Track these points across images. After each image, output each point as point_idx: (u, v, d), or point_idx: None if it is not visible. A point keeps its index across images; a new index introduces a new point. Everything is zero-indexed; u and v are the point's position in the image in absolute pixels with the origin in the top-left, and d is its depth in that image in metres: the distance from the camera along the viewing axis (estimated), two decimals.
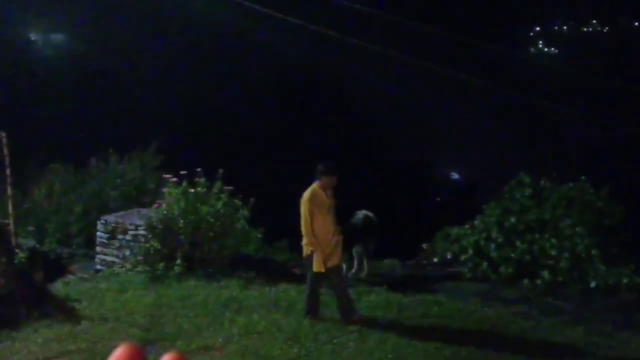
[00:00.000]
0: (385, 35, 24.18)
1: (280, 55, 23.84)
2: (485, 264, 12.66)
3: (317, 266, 9.82)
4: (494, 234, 12.68)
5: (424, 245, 14.73)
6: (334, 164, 10.08)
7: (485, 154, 24.16)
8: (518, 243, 12.37)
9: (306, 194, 9.99)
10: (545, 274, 12.01)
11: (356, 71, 24.23)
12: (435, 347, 8.81)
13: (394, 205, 20.86)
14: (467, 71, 24.82)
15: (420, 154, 23.64)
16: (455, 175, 28.36)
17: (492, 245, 12.70)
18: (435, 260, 13.71)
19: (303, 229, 9.97)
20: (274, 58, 23.78)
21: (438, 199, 23.43)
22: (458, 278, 12.53)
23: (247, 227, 13.46)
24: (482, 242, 12.84)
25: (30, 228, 15.18)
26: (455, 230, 13.42)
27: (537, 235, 12.33)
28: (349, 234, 12.57)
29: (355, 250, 12.91)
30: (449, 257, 13.17)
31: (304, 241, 10.05)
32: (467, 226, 13.26)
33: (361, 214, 13.17)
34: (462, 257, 12.90)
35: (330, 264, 9.83)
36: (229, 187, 13.03)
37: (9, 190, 11.30)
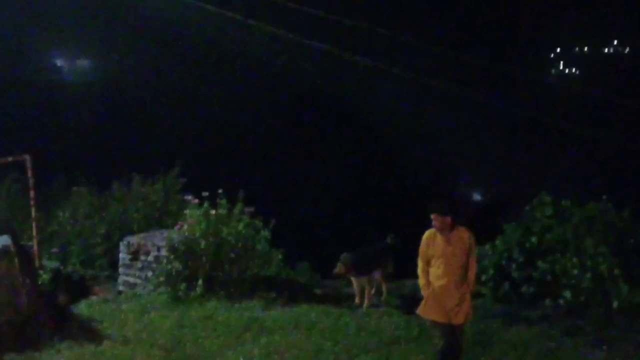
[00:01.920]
0: (407, 57, 24.28)
1: (300, 77, 23.98)
2: (506, 284, 12.59)
3: (420, 309, 8.73)
4: (515, 254, 12.61)
5: None
6: (443, 202, 8.53)
7: (506, 175, 24.09)
8: (539, 263, 12.29)
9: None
10: (568, 294, 11.91)
11: (377, 93, 24.31)
12: None
13: (415, 225, 20.82)
14: (488, 92, 24.84)
15: (441, 175, 23.62)
16: (476, 196, 28.28)
17: (514, 266, 12.63)
18: None
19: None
20: (294, 81, 23.93)
21: (460, 220, 23.38)
22: (479, 298, 12.46)
23: (269, 248, 13.49)
24: (503, 262, 12.78)
25: (54, 250, 15.35)
26: (476, 251, 13.36)
27: (558, 255, 12.26)
28: (371, 258, 12.73)
29: (376, 275, 12.85)
30: None
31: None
32: (487, 246, 13.21)
33: (391, 237, 13.22)
34: (483, 278, 12.83)
35: (454, 320, 8.41)
36: (250, 209, 13.10)
37: (33, 213, 11.43)
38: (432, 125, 25.03)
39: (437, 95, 25.02)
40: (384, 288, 12.94)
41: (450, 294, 8.39)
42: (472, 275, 8.56)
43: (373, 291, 12.69)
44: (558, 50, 49.93)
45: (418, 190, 23.36)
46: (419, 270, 8.64)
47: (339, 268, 12.26)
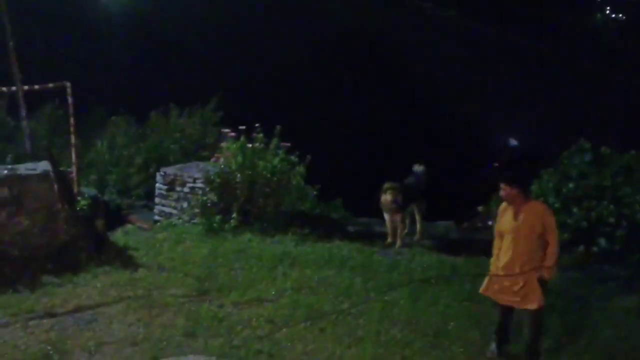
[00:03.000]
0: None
1: (340, 15, 23.67)
2: None
3: (483, 286, 7.91)
4: (550, 200, 12.50)
5: (479, 208, 14.63)
6: (511, 171, 7.72)
7: (545, 121, 23.75)
8: (575, 209, 12.19)
9: None
10: (602, 241, 11.84)
11: (413, 34, 23.93)
12: (487, 310, 8.80)
13: (450, 168, 20.70)
14: (529, 36, 24.33)
15: (478, 119, 23.35)
16: (513, 142, 27.98)
17: None
18: (490, 223, 13.60)
19: None
20: (335, 16, 23.63)
21: (496, 164, 23.16)
22: None
23: (303, 184, 13.55)
24: None
25: (93, 177, 15.56)
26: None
27: (595, 202, 12.14)
28: (408, 192, 12.48)
29: (411, 209, 12.77)
30: None
31: None
32: None
33: (420, 168, 12.96)
34: None
35: (517, 304, 7.63)
36: (286, 144, 13.13)
37: (73, 139, 11.56)
38: (469, 70, 24.63)
39: (472, 37, 24.57)
40: (419, 226, 12.85)
41: (513, 274, 7.48)
42: (550, 258, 7.39)
43: (406, 230, 12.68)
44: None
45: (455, 134, 23.15)
46: (494, 245, 7.82)
47: (392, 195, 12.06)
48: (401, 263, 11.09)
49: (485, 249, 11.89)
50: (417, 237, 12.79)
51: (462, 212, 15.30)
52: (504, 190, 7.44)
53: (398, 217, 12.27)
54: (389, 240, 12.42)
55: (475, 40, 24.37)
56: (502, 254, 7.60)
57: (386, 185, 12.17)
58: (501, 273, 7.58)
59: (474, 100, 23.34)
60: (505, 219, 7.58)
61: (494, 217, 13.59)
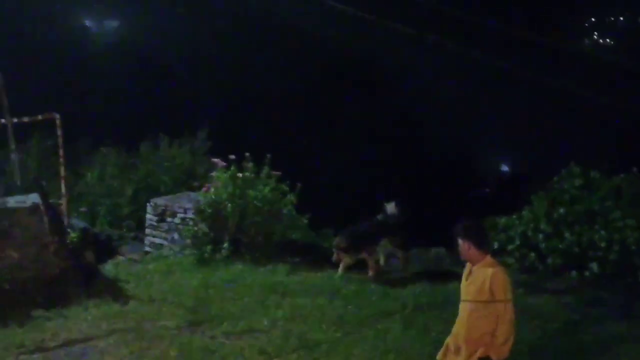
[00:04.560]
0: (431, 23, 24.02)
1: (330, 43, 23.84)
2: (532, 254, 12.53)
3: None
4: (542, 225, 12.54)
5: None
6: (464, 223, 6.48)
7: (534, 146, 23.90)
8: (567, 234, 12.23)
9: None
10: (594, 266, 11.87)
11: (402, 58, 24.09)
12: None
13: (442, 195, 20.76)
14: (516, 61, 24.53)
15: (468, 144, 23.47)
16: (504, 167, 28.12)
17: (540, 236, 12.56)
18: None
19: None
20: (325, 46, 23.79)
21: (487, 189, 23.25)
22: (505, 268, 12.41)
23: (294, 213, 13.51)
24: (530, 233, 12.71)
25: (83, 209, 15.47)
26: (502, 220, 13.30)
27: (586, 227, 12.18)
28: (379, 228, 12.14)
29: (383, 244, 12.24)
30: (495, 246, 13.06)
31: None
32: (514, 216, 13.14)
33: (390, 205, 12.49)
34: (509, 247, 12.80)
35: None
36: (277, 173, 13.12)
37: (62, 171, 11.52)
38: (457, 95, 24.80)
39: (463, 62, 24.75)
40: (399, 258, 12.55)
41: (452, 349, 6.46)
42: (500, 335, 6.15)
43: (382, 262, 12.36)
44: (592, 19, 49.10)
45: (446, 160, 23.23)
46: None
47: (336, 255, 11.64)
48: (393, 290, 11.05)
49: None
50: (400, 268, 12.52)
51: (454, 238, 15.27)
52: (459, 245, 6.41)
53: (367, 259, 11.77)
54: (370, 273, 11.84)
55: (467, 66, 24.55)
56: (457, 321, 6.49)
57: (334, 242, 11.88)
58: (450, 342, 6.50)
59: (465, 126, 23.47)
60: (462, 279, 6.51)
61: None
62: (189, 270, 11.87)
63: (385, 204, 12.55)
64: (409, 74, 23.69)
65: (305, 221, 14.18)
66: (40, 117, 11.74)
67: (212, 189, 12.96)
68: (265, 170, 13.01)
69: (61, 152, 11.64)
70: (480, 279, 6.21)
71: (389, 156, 22.55)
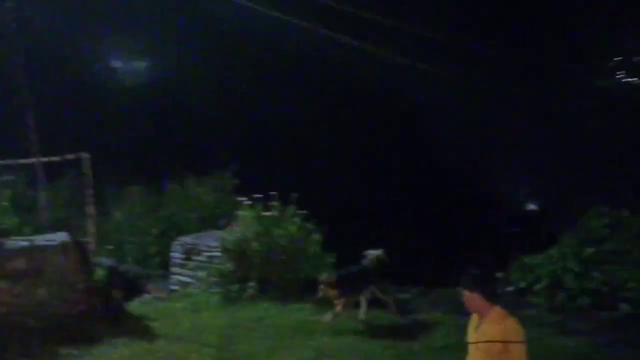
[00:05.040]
0: (458, 58, 24.09)
1: (351, 77, 23.94)
2: (561, 294, 12.39)
3: None
4: (570, 264, 12.41)
5: (498, 274, 14.49)
6: (471, 273, 5.98)
7: (562, 184, 23.75)
8: (595, 274, 12.09)
9: None
10: (624, 306, 11.71)
11: (428, 94, 24.15)
12: None
13: (469, 234, 20.65)
14: (545, 99, 24.51)
15: (496, 182, 23.36)
16: (531, 205, 27.94)
17: (569, 275, 12.43)
18: (510, 289, 13.48)
19: None
20: (352, 83, 23.90)
21: (515, 229, 23.06)
22: (533, 308, 12.29)
23: (320, 252, 13.50)
24: (558, 272, 12.58)
25: (110, 247, 15.58)
26: (530, 259, 13.19)
27: (616, 266, 12.04)
28: (359, 278, 11.39)
29: (365, 294, 11.41)
30: (522, 286, 12.93)
31: None
32: (542, 255, 13.03)
33: (372, 254, 11.79)
34: (537, 287, 12.66)
35: None
36: (303, 211, 13.14)
37: (91, 210, 11.64)
38: (484, 129, 24.74)
39: (490, 98, 24.75)
40: (389, 303, 11.62)
41: None
42: None
43: (364, 307, 11.31)
44: (619, 58, 49.00)
45: (473, 198, 23.12)
46: None
47: (321, 291, 10.87)
48: (423, 330, 10.95)
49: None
50: (393, 313, 11.66)
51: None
52: (464, 297, 5.93)
53: (339, 302, 10.91)
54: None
55: (492, 100, 24.54)
56: None
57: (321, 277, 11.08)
58: None
59: (491, 162, 23.37)
60: (469, 331, 6.09)
61: (512, 282, 13.53)
62: (215, 309, 11.89)
63: (368, 251, 11.84)
64: (434, 108, 23.70)
65: (332, 260, 14.14)
66: (69, 156, 11.88)
67: (238, 228, 13.01)
68: (291, 209, 13.04)
69: (89, 191, 11.76)
70: (493, 329, 5.77)
71: (414, 194, 22.49)
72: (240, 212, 13.29)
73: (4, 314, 10.35)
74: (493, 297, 5.91)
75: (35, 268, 10.62)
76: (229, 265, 12.74)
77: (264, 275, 12.67)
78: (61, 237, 11.28)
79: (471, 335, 6.00)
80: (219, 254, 13.12)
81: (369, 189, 22.84)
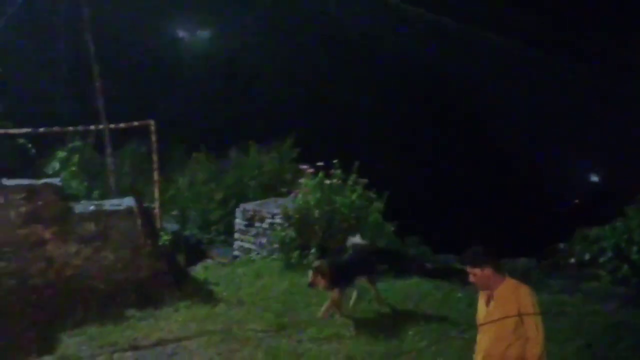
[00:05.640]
0: (522, 31, 23.62)
1: (413, 48, 23.66)
2: (625, 266, 12.19)
3: None
4: (636, 237, 12.19)
5: (561, 245, 14.32)
6: (476, 250, 6.02)
7: (628, 155, 23.18)
8: None
9: None
10: None
11: (487, 62, 23.73)
12: (577, 347, 8.60)
13: (532, 205, 20.40)
14: (610, 70, 23.90)
15: (557, 153, 22.94)
16: (594, 177, 27.38)
17: (634, 248, 12.21)
18: (572, 261, 13.32)
19: None
20: (408, 51, 23.63)
21: (576, 200, 22.66)
22: (596, 280, 12.12)
23: (380, 220, 13.51)
24: (623, 245, 12.37)
25: (174, 213, 15.87)
26: (594, 232, 12.98)
27: None
28: (351, 267, 10.58)
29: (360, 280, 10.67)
30: (586, 258, 12.75)
31: None
32: (607, 227, 12.80)
33: (355, 238, 11.15)
34: (601, 259, 12.48)
35: None
36: (364, 180, 13.16)
37: (156, 176, 11.86)
38: (549, 102, 24.23)
39: (553, 70, 24.18)
40: (374, 292, 10.74)
41: None
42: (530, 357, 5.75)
43: (354, 297, 10.59)
44: None
45: (536, 170, 22.76)
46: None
47: (312, 276, 9.96)
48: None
49: (566, 287, 11.69)
50: (378, 301, 10.71)
51: (542, 248, 15.01)
52: (473, 275, 5.94)
53: (332, 293, 10.10)
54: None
55: (552, 74, 24.03)
56: (476, 354, 6.08)
57: (313, 264, 10.35)
58: None
59: (551, 133, 22.96)
60: (479, 307, 6.13)
61: (575, 254, 13.35)
62: (276, 275, 12.03)
63: (349, 237, 11.28)
64: (497, 81, 23.32)
65: (392, 229, 14.15)
66: (136, 123, 12.11)
67: (300, 195, 13.11)
68: (353, 177, 13.06)
69: (155, 157, 11.98)
70: (507, 301, 5.79)
71: (474, 165, 22.26)
72: (302, 180, 13.37)
73: (72, 276, 10.68)
74: (502, 267, 5.96)
75: (103, 232, 10.91)
76: (290, 232, 12.86)
77: (324, 243, 12.76)
78: (128, 202, 11.54)
79: (481, 312, 6.04)
80: (280, 221, 13.25)
81: (430, 159, 22.70)
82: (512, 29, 22.87)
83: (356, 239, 11.02)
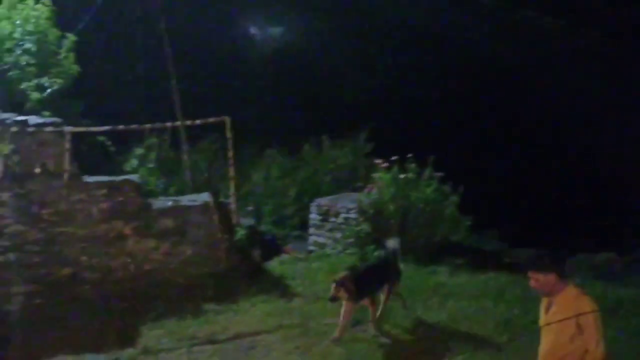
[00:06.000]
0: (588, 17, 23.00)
1: (488, 42, 23.30)
2: None
3: None
4: None
5: None
6: (541, 255, 6.06)
7: None
8: None
9: None
10: None
11: (565, 57, 23.16)
12: None
13: (610, 200, 19.86)
14: None
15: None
16: None
17: None
18: None
19: None
20: (488, 46, 23.28)
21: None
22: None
23: (456, 215, 13.35)
24: None
25: (249, 208, 16.01)
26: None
27: None
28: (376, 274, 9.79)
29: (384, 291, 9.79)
30: None
31: None
32: None
33: (392, 241, 10.40)
34: None
35: None
36: (439, 174, 13.02)
37: (231, 172, 11.97)
38: (617, 89, 23.46)
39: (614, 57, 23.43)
40: (380, 308, 9.62)
41: None
42: None
43: (380, 309, 9.61)
44: None
45: (617, 161, 22.11)
46: None
47: (334, 290, 9.01)
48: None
49: None
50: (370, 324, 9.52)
51: (624, 243, 14.64)
52: (535, 280, 5.76)
53: (348, 306, 9.14)
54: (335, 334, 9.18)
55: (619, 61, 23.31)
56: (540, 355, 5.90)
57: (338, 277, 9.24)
58: None
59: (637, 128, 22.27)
60: (541, 312, 5.97)
61: None
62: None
63: (386, 240, 10.57)
64: (575, 74, 22.77)
65: (468, 223, 13.97)
66: (211, 120, 12.22)
67: (374, 190, 13.06)
68: (428, 171, 12.94)
69: (230, 153, 12.07)
70: (566, 310, 5.62)
71: (553, 158, 21.79)
72: (376, 174, 13.32)
73: (151, 270, 10.89)
74: (566, 274, 5.77)
75: (180, 227, 11.09)
76: (365, 227, 12.82)
77: (399, 237, 12.67)
78: (204, 197, 11.69)
79: (543, 318, 5.88)
80: (355, 215, 13.22)
81: (508, 152, 22.31)
82: (593, 24, 22.37)
83: (394, 243, 10.33)
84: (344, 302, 9.07)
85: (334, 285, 8.96)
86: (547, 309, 5.83)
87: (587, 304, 5.60)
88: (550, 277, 5.69)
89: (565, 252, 12.37)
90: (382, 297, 9.63)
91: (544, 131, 23.10)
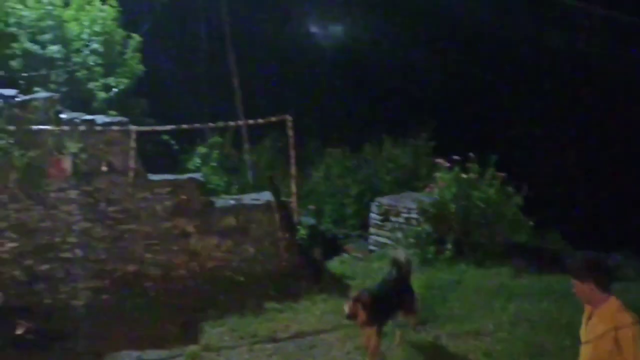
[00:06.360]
0: None
1: (555, 39, 22.87)
2: None
3: None
4: None
5: None
6: (586, 262, 5.58)
7: None
8: None
9: None
10: None
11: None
12: None
13: None
14: None
15: None
16: None
17: None
18: None
19: None
20: (548, 42, 22.86)
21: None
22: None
23: (519, 215, 13.18)
24: None
25: (310, 207, 16.08)
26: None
27: None
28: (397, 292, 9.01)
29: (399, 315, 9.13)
30: None
31: None
32: None
33: (400, 253, 9.65)
34: None
35: None
36: (502, 174, 12.88)
37: (293, 170, 12.05)
38: None
39: None
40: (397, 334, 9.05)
41: None
42: None
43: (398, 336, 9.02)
44: None
45: None
46: None
47: (349, 307, 8.17)
48: (629, 298, 10.46)
49: None
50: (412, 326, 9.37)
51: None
52: (575, 286, 5.49)
53: (369, 331, 8.34)
54: None
55: None
56: None
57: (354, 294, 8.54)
58: None
59: None
60: (583, 321, 5.68)
61: None
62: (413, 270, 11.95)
63: (394, 253, 9.89)
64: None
65: (531, 224, 13.78)
66: (273, 119, 12.32)
67: (436, 190, 12.99)
68: (490, 171, 12.81)
69: (292, 152, 12.14)
70: (604, 323, 5.32)
71: (619, 160, 21.30)
72: (437, 174, 13.24)
73: (214, 268, 11.05)
74: (607, 286, 5.40)
75: (243, 226, 11.22)
76: (426, 227, 12.76)
77: (461, 238, 12.59)
78: (266, 196, 11.80)
79: (583, 328, 5.63)
80: (416, 215, 13.16)
81: (571, 152, 21.94)
82: None
83: (401, 253, 9.56)
84: (364, 330, 8.37)
85: (350, 302, 8.19)
86: (588, 320, 5.58)
87: (626, 318, 5.25)
88: (588, 286, 5.39)
89: (616, 257, 12.14)
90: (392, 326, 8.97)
91: (610, 130, 22.64)
